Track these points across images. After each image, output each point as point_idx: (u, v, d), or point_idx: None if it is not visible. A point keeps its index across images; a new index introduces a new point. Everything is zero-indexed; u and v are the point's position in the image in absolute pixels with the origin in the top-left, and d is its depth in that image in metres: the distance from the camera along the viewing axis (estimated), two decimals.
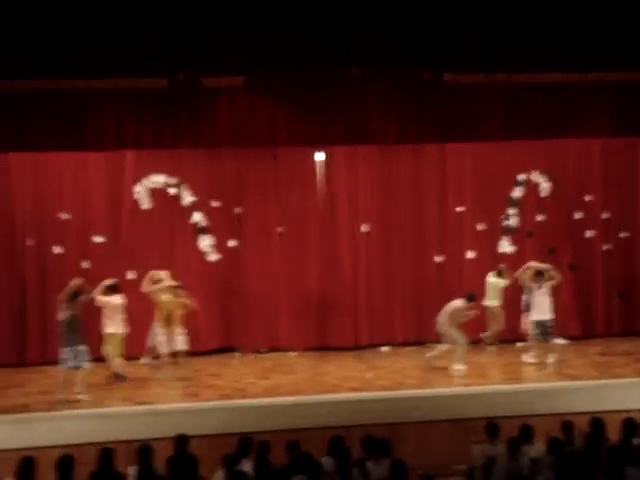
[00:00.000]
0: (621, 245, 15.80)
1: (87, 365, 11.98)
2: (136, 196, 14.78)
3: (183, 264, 14.77)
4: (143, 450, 8.30)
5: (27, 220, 14.46)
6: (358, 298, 15.30)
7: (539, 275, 13.62)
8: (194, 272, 14.72)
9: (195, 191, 14.93)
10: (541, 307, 13.47)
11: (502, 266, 14.72)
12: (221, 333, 15.00)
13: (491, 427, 8.96)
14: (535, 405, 11.26)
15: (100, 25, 11.17)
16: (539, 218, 15.52)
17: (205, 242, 14.96)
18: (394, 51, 11.75)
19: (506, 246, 15.44)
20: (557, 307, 15.16)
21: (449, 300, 14.85)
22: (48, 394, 12.33)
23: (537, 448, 8.60)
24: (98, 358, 12.75)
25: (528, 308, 13.82)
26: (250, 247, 15.12)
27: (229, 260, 15.05)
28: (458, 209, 15.43)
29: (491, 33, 11.86)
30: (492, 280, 14.57)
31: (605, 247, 15.70)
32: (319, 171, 15.11)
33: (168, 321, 13.47)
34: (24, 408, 11.59)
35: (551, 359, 13.40)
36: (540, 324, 13.44)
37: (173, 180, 14.87)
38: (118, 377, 12.94)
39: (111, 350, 13.01)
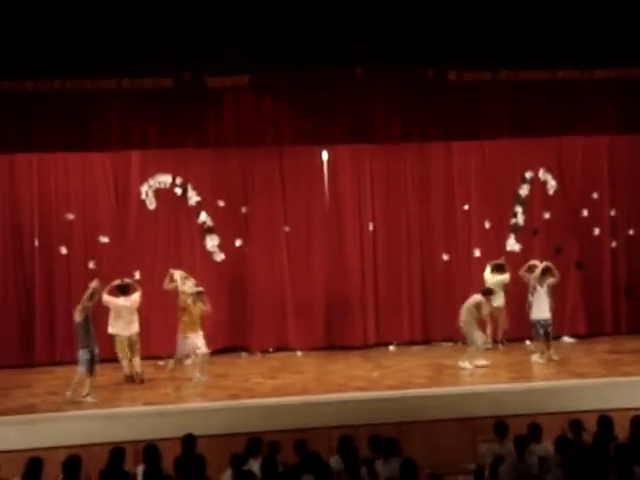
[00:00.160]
0: (628, 242, 15.73)
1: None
2: (142, 196, 14.77)
3: (189, 264, 14.74)
4: (149, 450, 8.30)
5: (34, 221, 14.45)
6: (365, 297, 15.27)
7: (546, 273, 13.62)
8: (200, 272, 14.69)
9: (201, 191, 14.91)
10: (543, 306, 13.46)
11: (502, 260, 14.64)
12: (228, 333, 14.97)
13: (499, 426, 8.93)
14: (543, 403, 11.23)
15: (105, 26, 11.18)
16: (546, 216, 15.47)
17: (212, 242, 14.94)
18: (399, 49, 11.74)
19: (514, 244, 15.39)
20: (565, 305, 15.27)
21: (456, 298, 14.91)
22: (55, 395, 12.35)
23: (545, 447, 8.57)
24: (104, 359, 12.72)
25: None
26: (256, 246, 15.10)
27: (236, 260, 15.03)
28: (465, 207, 15.39)
29: (495, 31, 11.84)
30: (500, 278, 14.46)
31: (613, 244, 15.64)
32: (325, 170, 15.09)
33: (193, 324, 13.31)
34: (31, 409, 11.60)
35: (556, 356, 13.41)
36: (542, 323, 13.44)
37: (179, 180, 14.86)
38: (127, 379, 12.95)
39: (119, 351, 13.03)
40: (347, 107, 12.37)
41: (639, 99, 12.68)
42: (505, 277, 14.46)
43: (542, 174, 15.49)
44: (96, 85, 11.46)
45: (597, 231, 15.58)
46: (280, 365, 14.13)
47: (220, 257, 14.98)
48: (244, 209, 15.10)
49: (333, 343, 15.16)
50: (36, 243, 14.44)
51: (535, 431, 8.73)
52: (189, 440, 8.66)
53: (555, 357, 13.46)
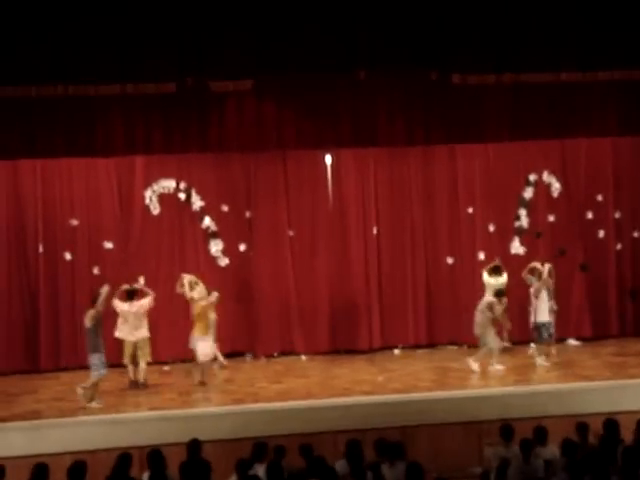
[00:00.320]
0: (633, 245, 15.71)
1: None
2: (146, 201, 14.78)
3: (194, 269, 14.74)
4: (154, 455, 8.28)
5: (38, 226, 14.46)
6: (370, 301, 15.25)
7: (549, 275, 13.68)
8: (205, 277, 14.65)
9: (205, 195, 14.92)
10: (544, 308, 13.47)
11: (498, 262, 14.61)
12: (233, 337, 14.96)
13: (505, 429, 8.90)
14: (549, 406, 11.22)
15: (108, 31, 11.19)
16: (551, 218, 15.45)
17: (216, 247, 14.95)
18: (402, 52, 11.73)
19: (518, 247, 15.37)
20: (570, 308, 15.27)
21: (461, 301, 14.90)
22: (61, 401, 12.35)
23: (551, 450, 8.55)
24: (109, 364, 12.72)
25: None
26: (261, 251, 15.10)
27: (240, 264, 15.03)
28: (469, 210, 15.37)
29: (498, 33, 11.83)
30: (499, 280, 14.42)
31: (617, 247, 15.61)
32: (328, 174, 15.09)
33: (206, 328, 13.29)
34: (36, 415, 11.61)
35: (557, 358, 13.41)
36: (547, 325, 13.44)
37: (183, 185, 14.86)
38: (131, 384, 12.96)
39: (125, 356, 13.05)
40: (350, 111, 12.36)
41: None
42: (503, 278, 14.43)
43: (546, 177, 15.47)
44: (99, 90, 11.46)
45: (602, 233, 15.56)
46: (285, 369, 14.12)
47: (224, 262, 14.98)
48: (248, 213, 15.11)
49: (338, 347, 15.15)
50: (40, 249, 14.45)
51: (541, 434, 8.71)
52: (194, 445, 8.65)
53: (556, 359, 13.43)
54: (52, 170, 14.45)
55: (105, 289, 12.40)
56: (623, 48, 11.92)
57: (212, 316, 13.44)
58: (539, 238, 15.31)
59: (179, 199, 14.90)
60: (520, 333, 14.71)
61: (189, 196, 14.90)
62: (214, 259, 14.97)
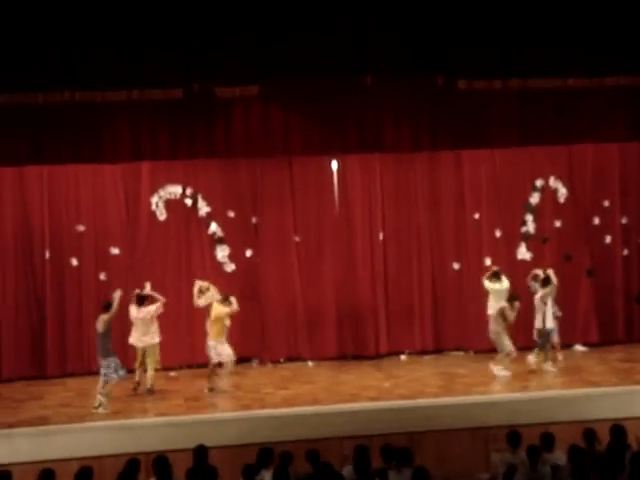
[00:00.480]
0: None
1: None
2: (152, 207, 14.79)
3: (200, 275, 14.74)
4: (160, 461, 8.28)
5: (44, 232, 14.48)
6: (376, 306, 15.23)
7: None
8: (211, 282, 14.70)
9: (211, 201, 14.93)
10: (550, 315, 13.48)
11: (497, 268, 14.60)
12: (239, 343, 14.90)
13: (512, 435, 8.87)
14: (556, 413, 11.18)
15: (115, 37, 11.24)
16: (557, 224, 15.42)
17: (223, 252, 14.95)
18: (408, 58, 11.75)
19: (524, 253, 15.34)
20: (577, 313, 15.27)
21: (467, 307, 14.88)
22: (67, 407, 12.36)
23: (558, 456, 8.52)
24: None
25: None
26: (267, 257, 15.10)
27: (246, 270, 15.03)
28: (475, 216, 15.35)
29: (505, 39, 11.85)
30: (505, 285, 14.39)
31: (624, 252, 15.57)
32: (335, 180, 15.09)
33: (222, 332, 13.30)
34: (43, 421, 11.61)
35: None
36: (551, 332, 13.43)
37: (189, 191, 14.88)
38: (133, 388, 12.99)
39: (136, 361, 13.09)
40: (357, 116, 12.38)
41: None
42: (504, 284, 14.39)
43: (553, 182, 15.44)
44: (106, 97, 11.50)
45: (608, 239, 15.52)
46: (291, 375, 14.11)
47: (231, 267, 14.98)
48: (254, 219, 15.11)
49: (344, 353, 15.13)
50: (47, 255, 14.46)
51: (548, 440, 8.68)
52: (201, 451, 8.63)
53: (563, 365, 13.54)
54: (59, 176, 14.46)
55: (118, 294, 12.46)
56: (630, 54, 11.93)
57: (227, 322, 13.43)
58: (545, 243, 15.29)
59: (185, 205, 14.91)
60: (525, 339, 14.65)
61: (195, 202, 14.91)
62: (220, 265, 14.97)
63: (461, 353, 15.09)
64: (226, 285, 14.73)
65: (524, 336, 14.38)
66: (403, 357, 15.07)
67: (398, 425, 10.98)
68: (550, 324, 13.52)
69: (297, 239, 15.21)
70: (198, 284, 13.56)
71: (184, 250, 14.93)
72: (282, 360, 15.03)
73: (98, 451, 10.40)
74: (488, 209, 15.34)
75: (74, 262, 14.54)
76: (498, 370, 13.22)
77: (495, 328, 13.40)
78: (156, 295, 13.39)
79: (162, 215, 14.82)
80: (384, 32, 11.63)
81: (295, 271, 15.17)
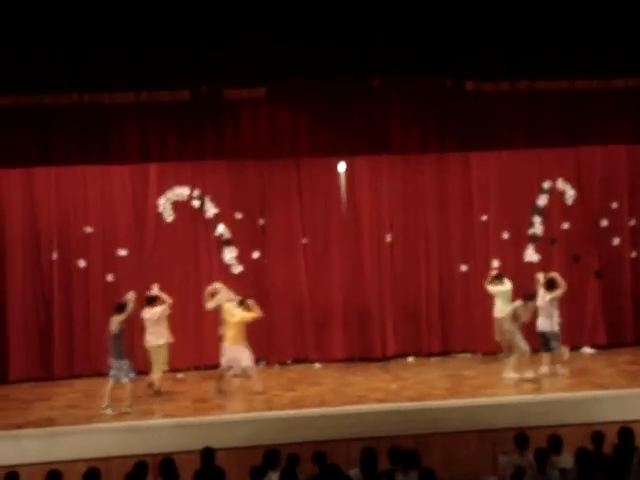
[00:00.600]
0: None
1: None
2: (160, 209, 14.81)
3: (207, 276, 14.77)
4: (166, 464, 8.28)
5: (52, 234, 14.50)
6: (383, 308, 15.22)
7: None
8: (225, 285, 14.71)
9: (219, 203, 14.93)
10: (556, 318, 13.45)
11: (496, 272, 14.58)
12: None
13: (520, 437, 8.85)
14: (564, 415, 11.16)
15: (123, 39, 11.24)
16: (565, 226, 15.38)
17: (230, 254, 14.96)
18: (416, 60, 11.73)
19: (532, 254, 15.31)
20: (585, 316, 15.23)
21: (475, 309, 14.84)
22: (74, 408, 12.39)
23: (566, 458, 8.50)
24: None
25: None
26: (274, 258, 15.10)
27: (254, 272, 15.03)
28: (483, 218, 15.33)
29: (513, 40, 11.83)
30: (508, 286, 14.38)
31: (632, 254, 15.53)
32: (342, 181, 15.08)
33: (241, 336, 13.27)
34: (50, 422, 11.63)
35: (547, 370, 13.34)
36: (558, 335, 13.41)
37: (197, 192, 14.89)
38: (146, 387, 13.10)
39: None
40: (364, 118, 12.36)
41: None
42: (507, 285, 14.37)
43: (560, 184, 15.41)
44: (114, 98, 11.51)
45: (616, 241, 15.48)
46: (298, 377, 14.11)
47: (238, 269, 14.98)
48: (262, 221, 15.11)
49: (352, 355, 15.12)
50: (55, 256, 14.49)
51: (555, 443, 8.66)
52: (208, 453, 8.64)
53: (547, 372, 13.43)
54: (67, 178, 14.49)
55: (131, 295, 12.53)
56: (638, 55, 11.88)
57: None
58: (553, 244, 15.26)
59: (193, 206, 14.92)
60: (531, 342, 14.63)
61: (203, 203, 14.92)
62: (228, 266, 14.97)
63: (468, 355, 15.07)
64: (233, 287, 14.73)
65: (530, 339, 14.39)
66: (410, 359, 15.05)
67: (405, 427, 10.97)
68: (557, 327, 13.48)
69: (304, 241, 15.20)
70: (212, 286, 13.56)
71: (191, 252, 14.94)
72: (289, 362, 15.02)
73: (105, 452, 10.42)
74: (496, 211, 15.32)
75: (82, 263, 14.56)
76: (513, 374, 13.13)
77: (510, 327, 13.34)
78: (163, 296, 13.40)
79: (170, 217, 14.84)
80: (392, 34, 11.62)
81: (302, 273, 15.16)
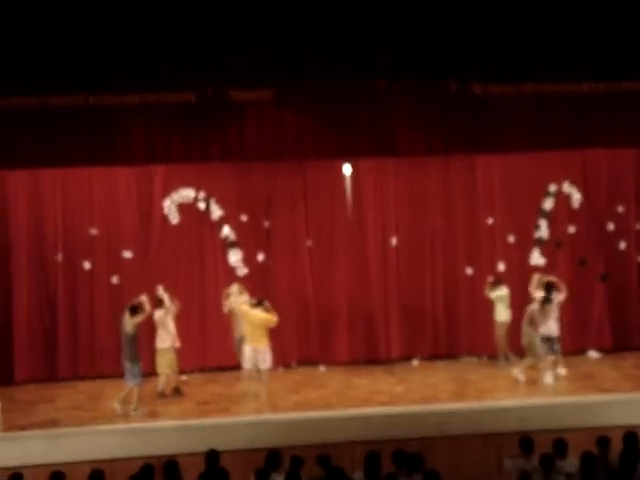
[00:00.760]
0: None
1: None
2: (165, 211, 14.81)
3: (213, 278, 14.79)
4: (169, 466, 8.27)
5: (57, 235, 14.51)
6: (388, 311, 15.20)
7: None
8: (223, 286, 14.70)
9: (224, 205, 14.93)
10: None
11: (492, 278, 14.57)
12: None
13: (525, 441, 8.82)
14: (569, 419, 11.14)
15: (128, 41, 11.25)
16: (571, 229, 15.35)
17: (235, 257, 14.95)
18: (421, 62, 11.73)
19: (538, 258, 15.28)
20: (591, 320, 15.20)
21: (480, 312, 14.81)
22: (79, 409, 12.39)
23: (571, 462, 8.48)
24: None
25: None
26: (279, 261, 15.09)
27: (258, 274, 15.01)
28: (489, 221, 15.31)
29: (519, 43, 11.82)
30: (505, 292, 14.37)
31: (639, 258, 15.48)
32: (348, 184, 15.07)
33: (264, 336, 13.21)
34: (55, 423, 11.64)
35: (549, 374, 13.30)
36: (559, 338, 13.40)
37: (202, 194, 14.88)
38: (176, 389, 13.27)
39: None
40: (370, 121, 12.34)
41: None
42: (504, 292, 14.35)
43: (567, 187, 15.38)
44: (119, 100, 11.53)
45: (623, 245, 15.44)
46: (303, 379, 14.09)
47: (243, 271, 14.96)
48: (267, 223, 15.10)
49: (356, 357, 15.10)
50: (60, 258, 14.49)
51: (560, 447, 8.63)
52: (212, 455, 8.64)
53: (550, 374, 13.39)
54: (72, 179, 14.50)
55: (144, 298, 12.64)
56: None
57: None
58: (559, 248, 15.22)
59: (198, 209, 14.92)
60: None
61: (208, 206, 14.91)
62: (233, 269, 14.96)
63: (474, 358, 15.04)
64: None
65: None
66: (415, 362, 15.02)
67: (410, 430, 10.96)
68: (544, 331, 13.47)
69: (310, 243, 15.19)
70: (228, 289, 13.72)
71: (196, 254, 14.93)
72: (294, 364, 15.01)
73: (109, 454, 10.43)
74: (501, 214, 15.29)
75: (87, 265, 14.56)
76: (516, 373, 13.11)
77: (526, 330, 13.29)
78: (165, 299, 13.37)
79: (175, 219, 14.83)
80: (398, 37, 11.62)
81: (307, 275, 15.15)
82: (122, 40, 11.20)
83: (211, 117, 12.11)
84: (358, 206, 15.17)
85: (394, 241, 15.23)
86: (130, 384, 12.21)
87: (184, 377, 14.07)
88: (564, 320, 13.94)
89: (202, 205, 14.89)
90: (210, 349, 14.76)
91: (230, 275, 14.84)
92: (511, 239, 15.30)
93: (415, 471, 8.27)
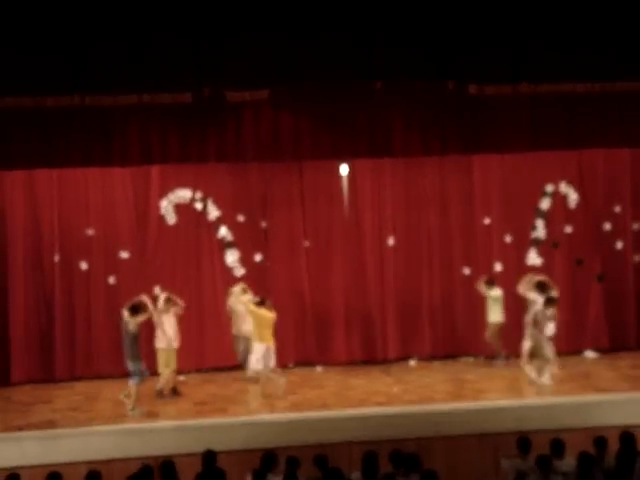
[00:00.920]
0: None
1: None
2: (162, 211, 14.80)
3: (210, 279, 14.78)
4: (166, 466, 8.27)
5: (54, 236, 14.49)
6: (385, 311, 15.20)
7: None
8: (220, 287, 14.71)
9: (221, 206, 14.92)
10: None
11: (489, 277, 14.59)
12: None
13: (522, 441, 8.83)
14: (566, 419, 11.14)
15: (125, 41, 11.23)
16: (568, 229, 15.36)
17: (232, 257, 14.94)
18: (418, 63, 11.72)
19: (535, 258, 15.29)
20: (587, 319, 15.21)
21: (477, 313, 14.81)
22: (75, 410, 12.38)
23: (568, 462, 8.48)
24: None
25: None
26: (276, 261, 15.08)
27: (255, 274, 15.01)
28: (485, 221, 15.31)
29: (515, 43, 11.82)
30: (498, 293, 14.38)
31: (636, 258, 15.50)
32: (344, 184, 15.06)
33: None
34: (51, 424, 11.62)
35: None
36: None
37: (199, 195, 14.88)
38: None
39: None
40: (367, 121, 12.34)
41: None
42: (497, 293, 14.36)
43: (563, 187, 15.38)
44: (116, 100, 11.51)
45: (619, 245, 15.45)
46: (300, 380, 14.07)
47: (240, 272, 14.96)
48: (264, 224, 15.10)
49: (353, 358, 15.10)
50: (56, 258, 14.47)
51: (557, 447, 8.64)
52: (209, 456, 8.63)
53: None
54: (68, 180, 14.48)
55: (145, 298, 12.69)
56: None
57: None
58: (556, 248, 15.23)
59: (195, 209, 14.91)
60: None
61: (205, 206, 14.91)
62: (230, 269, 14.95)
63: (471, 359, 15.04)
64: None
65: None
66: (412, 362, 15.02)
67: (407, 431, 10.96)
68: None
69: (306, 244, 15.19)
70: (235, 287, 13.80)
71: (193, 254, 14.92)
72: (291, 365, 14.99)
73: (106, 455, 10.42)
74: (498, 214, 15.30)
75: (83, 266, 14.55)
76: (533, 375, 13.11)
77: (532, 332, 13.24)
78: (168, 299, 13.36)
79: (172, 219, 14.82)
80: (394, 37, 11.61)
81: (304, 276, 15.15)
82: (118, 41, 11.18)
83: (207, 117, 12.10)
84: (355, 206, 15.18)
85: (391, 241, 15.23)
86: (131, 382, 12.19)
87: (181, 377, 14.06)
88: (561, 320, 13.96)
89: (199, 205, 14.88)
90: (207, 350, 14.75)
91: (227, 276, 14.85)
92: (508, 239, 15.31)
93: (412, 471, 8.27)
